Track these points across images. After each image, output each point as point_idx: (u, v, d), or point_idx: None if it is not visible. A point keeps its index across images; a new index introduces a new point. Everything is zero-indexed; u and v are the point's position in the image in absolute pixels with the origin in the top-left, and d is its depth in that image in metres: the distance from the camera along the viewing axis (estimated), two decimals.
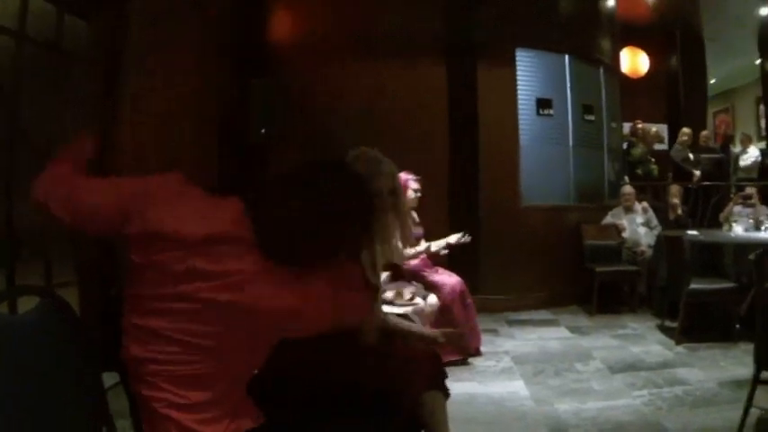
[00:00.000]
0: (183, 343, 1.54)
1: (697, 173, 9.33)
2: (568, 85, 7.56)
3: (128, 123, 4.46)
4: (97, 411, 1.76)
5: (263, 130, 6.70)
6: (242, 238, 1.56)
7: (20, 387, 1.54)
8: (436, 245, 5.01)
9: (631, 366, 4.77)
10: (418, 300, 4.47)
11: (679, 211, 7.73)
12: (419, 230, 5.33)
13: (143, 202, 1.62)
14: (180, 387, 1.55)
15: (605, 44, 8.31)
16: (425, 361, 2.29)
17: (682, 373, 4.55)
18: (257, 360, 1.69)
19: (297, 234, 1.59)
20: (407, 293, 4.42)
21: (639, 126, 9.48)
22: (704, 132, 10.43)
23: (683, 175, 9.36)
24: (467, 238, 5.05)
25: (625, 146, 9.21)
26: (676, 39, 11.14)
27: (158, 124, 4.99)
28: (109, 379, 1.76)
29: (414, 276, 5.01)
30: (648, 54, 10.81)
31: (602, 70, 8.09)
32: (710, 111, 14.01)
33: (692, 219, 8.31)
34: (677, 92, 11.18)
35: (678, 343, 5.31)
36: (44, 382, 1.60)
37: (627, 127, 9.49)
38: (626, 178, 8.62)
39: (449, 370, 4.59)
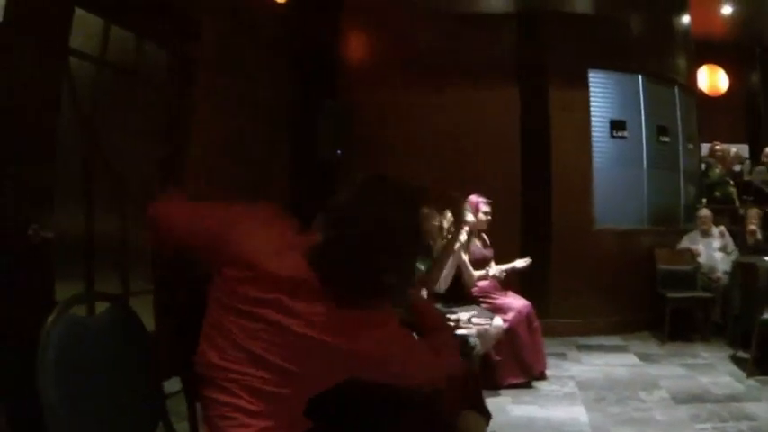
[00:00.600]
0: (259, 358, 1.65)
1: None
2: (642, 105, 7.49)
3: (200, 145, 4.69)
4: (155, 410, 1.97)
5: (338, 152, 6.87)
6: (313, 285, 1.63)
7: (86, 380, 1.75)
8: (496, 269, 5.11)
9: (697, 398, 4.70)
10: (477, 320, 4.50)
11: (758, 236, 7.50)
12: (488, 252, 5.43)
13: (229, 230, 1.74)
14: (252, 395, 1.65)
15: (680, 63, 8.20)
16: (460, 380, 2.36)
17: (750, 407, 4.44)
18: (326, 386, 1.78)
19: (356, 264, 1.63)
20: (464, 316, 4.49)
21: (718, 147, 9.25)
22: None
23: (763, 198, 9.07)
24: (525, 264, 5.14)
25: (703, 167, 9.00)
26: (755, 54, 10.81)
27: (230, 145, 5.23)
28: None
29: (479, 299, 5.09)
30: (727, 71, 10.58)
31: (677, 90, 7.97)
32: None
33: None
34: (758, 110, 10.85)
35: (750, 375, 5.17)
36: (108, 379, 1.82)
37: (705, 148, 9.27)
38: (703, 201, 8.42)
39: (512, 392, 4.74)
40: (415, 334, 1.91)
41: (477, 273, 5.02)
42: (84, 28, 3.60)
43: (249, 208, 1.84)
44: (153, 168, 4.38)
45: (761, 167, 9.39)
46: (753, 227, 7.41)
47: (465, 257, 4.91)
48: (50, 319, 1.70)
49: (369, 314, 1.67)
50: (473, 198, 5.39)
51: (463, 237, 4.74)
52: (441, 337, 1.97)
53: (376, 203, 1.65)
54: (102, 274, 3.90)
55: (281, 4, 6.19)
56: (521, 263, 5.33)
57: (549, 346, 5.79)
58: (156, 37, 4.34)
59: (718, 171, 8.96)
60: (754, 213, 7.66)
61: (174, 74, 4.57)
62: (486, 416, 2.44)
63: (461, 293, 4.86)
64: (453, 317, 4.51)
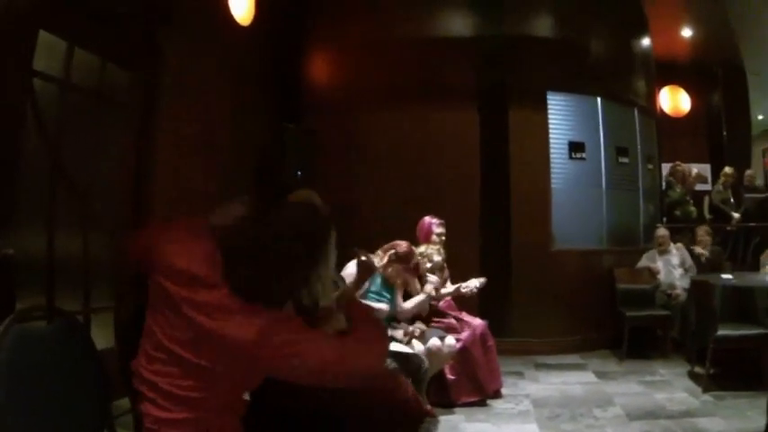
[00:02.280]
0: (176, 357, 1.74)
1: (735, 215, 9.14)
2: (601, 127, 7.57)
3: (163, 165, 4.71)
4: (101, 419, 2.07)
5: (298, 173, 6.90)
6: (213, 275, 1.76)
7: (34, 386, 1.87)
8: (444, 290, 5.16)
9: (651, 414, 4.73)
10: (416, 343, 4.53)
11: (705, 257, 7.62)
12: (444, 273, 5.44)
13: (158, 241, 1.92)
14: (174, 403, 1.74)
15: (640, 84, 8.34)
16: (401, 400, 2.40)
17: (702, 422, 4.48)
18: (240, 390, 1.87)
19: (253, 262, 1.77)
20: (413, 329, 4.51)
21: (679, 168, 9.37)
22: (748, 171, 10.21)
23: (722, 216, 9.21)
24: (474, 286, 5.17)
25: (664, 187, 9.11)
26: (717, 75, 11.01)
27: (194, 166, 5.24)
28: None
29: (433, 318, 5.12)
30: (689, 93, 10.78)
31: (636, 112, 8.09)
32: (760, 148, 13.71)
33: (732, 262, 8.16)
34: (720, 130, 11.04)
35: (705, 391, 5.23)
36: (55, 386, 1.94)
37: (667, 168, 9.39)
38: (663, 220, 8.53)
39: (466, 410, 4.76)
40: None
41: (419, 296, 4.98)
42: (49, 50, 3.64)
43: (178, 221, 2.09)
44: (116, 187, 4.39)
45: (718, 187, 9.53)
46: (699, 249, 7.54)
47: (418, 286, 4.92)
48: (1, 327, 1.83)
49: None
50: (426, 219, 5.44)
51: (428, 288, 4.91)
52: (364, 329, 1.99)
53: (277, 220, 1.85)
54: (63, 290, 3.91)
55: (245, 28, 6.24)
56: (475, 282, 5.33)
57: (507, 365, 5.83)
58: (119, 59, 4.37)
59: (678, 190, 9.05)
60: (702, 232, 7.79)
61: (136, 96, 4.59)
62: None
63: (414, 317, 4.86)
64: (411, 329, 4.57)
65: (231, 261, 1.76)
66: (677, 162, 9.45)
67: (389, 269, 4.50)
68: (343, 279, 2.75)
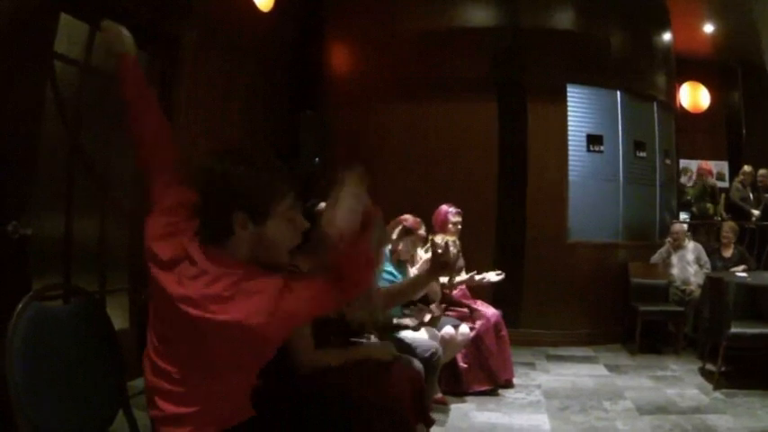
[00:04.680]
0: (176, 350, 1.74)
1: (756, 212, 9.09)
2: (620, 121, 7.54)
3: (180, 150, 4.72)
4: (116, 399, 2.08)
5: (316, 160, 6.92)
6: (196, 262, 1.73)
7: (51, 365, 1.87)
8: (463, 278, 5.14)
9: (661, 409, 4.74)
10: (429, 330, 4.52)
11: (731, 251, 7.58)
12: (459, 262, 5.46)
13: (147, 222, 1.89)
14: (174, 403, 1.72)
15: (660, 79, 8.28)
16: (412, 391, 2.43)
17: (713, 419, 4.48)
18: (234, 381, 1.81)
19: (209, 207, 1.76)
20: (426, 316, 4.51)
21: (747, 170, 9.27)
22: (762, 171, 10.11)
23: (740, 214, 9.15)
24: (496, 278, 5.14)
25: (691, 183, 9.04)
26: (737, 72, 10.92)
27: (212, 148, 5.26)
28: None
29: (447, 306, 5.14)
30: (709, 89, 10.68)
31: (655, 106, 8.05)
32: None
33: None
34: (739, 127, 10.96)
35: (716, 388, 5.23)
36: (72, 366, 1.94)
37: (683, 163, 9.34)
38: (681, 217, 8.49)
39: (477, 399, 4.78)
40: None
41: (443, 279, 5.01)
42: (70, 33, 3.67)
43: (165, 197, 1.99)
44: (134, 171, 4.43)
45: (737, 185, 9.46)
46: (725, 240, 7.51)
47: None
48: (20, 305, 1.82)
49: (246, 283, 1.70)
50: (443, 207, 5.45)
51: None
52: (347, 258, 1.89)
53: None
54: (80, 271, 3.97)
55: (265, 14, 6.25)
56: (493, 275, 5.34)
57: (519, 355, 5.86)
58: (139, 43, 4.39)
59: (696, 187, 9.00)
60: (727, 228, 7.73)
61: (154, 80, 4.61)
62: (430, 423, 2.51)
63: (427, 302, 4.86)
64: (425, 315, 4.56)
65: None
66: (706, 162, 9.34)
67: (400, 245, 4.50)
68: None
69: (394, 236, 4.50)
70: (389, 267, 4.45)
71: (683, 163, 9.23)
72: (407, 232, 4.50)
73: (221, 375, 1.74)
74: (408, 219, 4.56)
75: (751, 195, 9.33)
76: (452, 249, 5.06)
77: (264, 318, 1.65)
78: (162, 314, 1.76)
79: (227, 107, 5.63)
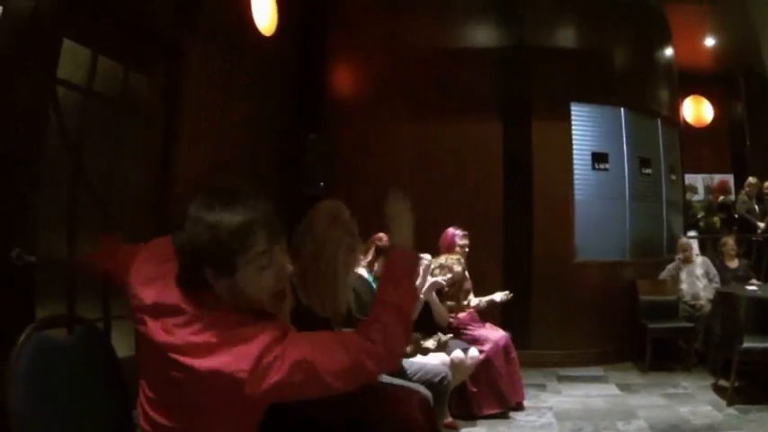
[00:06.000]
0: (153, 399, 1.69)
1: (761, 225, 9.05)
2: (624, 138, 7.56)
3: (183, 177, 4.74)
4: (122, 427, 2.03)
5: (321, 184, 6.95)
6: (184, 310, 1.65)
7: (54, 396, 1.84)
8: (475, 301, 5.13)
9: (675, 427, 4.70)
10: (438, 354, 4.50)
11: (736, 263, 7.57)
12: (467, 284, 5.46)
13: (131, 264, 1.86)
14: None
15: (663, 95, 8.32)
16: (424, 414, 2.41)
17: None
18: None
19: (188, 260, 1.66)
20: (430, 343, 4.50)
21: (753, 182, 9.27)
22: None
23: (747, 226, 9.12)
24: (504, 298, 5.13)
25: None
26: (739, 85, 10.92)
27: (215, 176, 5.27)
28: None
29: (457, 330, 5.11)
30: (712, 102, 10.70)
31: (659, 122, 8.07)
32: None
33: (757, 273, 8.07)
34: (743, 140, 10.95)
35: (730, 404, 5.19)
36: (75, 397, 1.91)
37: (689, 178, 9.33)
38: (688, 233, 8.46)
39: (488, 422, 4.75)
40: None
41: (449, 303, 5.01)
42: (73, 58, 3.70)
43: (151, 243, 1.96)
44: (138, 194, 4.44)
45: (743, 197, 9.43)
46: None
47: (434, 296, 4.80)
48: (22, 336, 1.80)
49: (235, 331, 1.60)
50: (450, 230, 5.45)
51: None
52: (378, 323, 1.76)
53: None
54: (84, 297, 3.95)
55: (268, 38, 6.29)
56: (500, 296, 5.35)
57: (529, 377, 5.82)
58: (142, 68, 4.43)
59: (702, 202, 8.99)
60: (731, 242, 7.73)
61: (158, 104, 4.64)
62: None
63: (435, 327, 4.83)
64: (429, 342, 4.54)
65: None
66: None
67: (375, 265, 4.49)
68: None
69: (369, 256, 4.50)
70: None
71: (688, 178, 9.20)
72: (381, 251, 4.48)
73: (214, 429, 1.67)
74: (383, 237, 4.55)
75: (756, 207, 9.30)
76: (458, 269, 5.06)
77: (248, 366, 1.55)
78: (151, 364, 1.69)
79: (232, 131, 5.63)
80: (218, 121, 5.35)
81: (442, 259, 5.06)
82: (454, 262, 5.08)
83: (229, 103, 5.52)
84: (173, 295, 1.67)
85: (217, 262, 1.62)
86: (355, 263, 2.86)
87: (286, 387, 1.58)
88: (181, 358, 1.57)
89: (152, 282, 1.74)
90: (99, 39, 3.83)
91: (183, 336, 1.60)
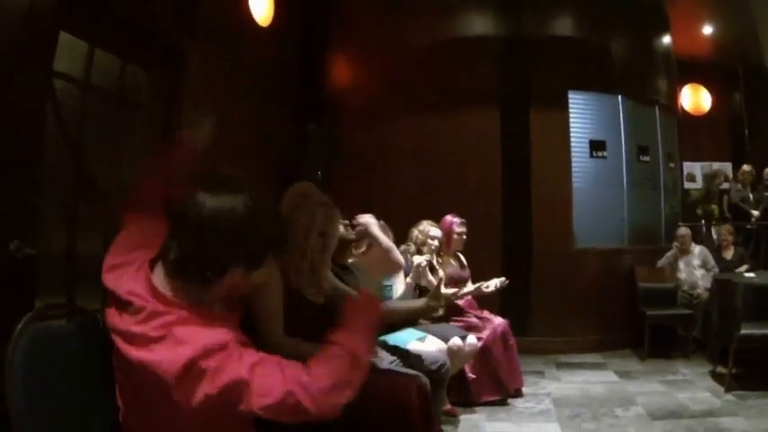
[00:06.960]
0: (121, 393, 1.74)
1: (755, 213, 9.04)
2: (622, 126, 7.56)
3: (184, 167, 4.71)
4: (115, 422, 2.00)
5: (319, 174, 6.93)
6: (135, 300, 1.66)
7: (52, 385, 1.83)
8: (468, 288, 5.09)
9: (673, 414, 4.70)
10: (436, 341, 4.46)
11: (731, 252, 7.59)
12: (465, 273, 5.46)
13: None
14: None
15: (661, 83, 8.30)
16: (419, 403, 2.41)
17: (725, 422, 4.44)
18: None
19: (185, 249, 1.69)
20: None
21: (746, 169, 9.28)
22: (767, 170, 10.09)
23: (742, 215, 9.12)
24: (493, 285, 5.07)
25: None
26: (738, 74, 10.89)
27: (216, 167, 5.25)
28: None
29: (462, 312, 5.16)
30: (710, 91, 10.66)
31: (657, 110, 8.06)
32: None
33: (754, 260, 8.08)
34: (741, 128, 10.92)
35: (728, 390, 5.20)
36: (73, 387, 1.88)
37: (687, 166, 9.31)
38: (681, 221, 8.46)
39: (487, 409, 4.76)
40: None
41: (449, 291, 4.99)
42: (70, 52, 3.68)
43: (128, 228, 2.03)
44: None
45: (737, 185, 9.42)
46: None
47: (431, 277, 4.80)
48: (19, 325, 1.79)
49: (180, 328, 1.61)
50: (448, 218, 5.44)
51: (418, 259, 4.62)
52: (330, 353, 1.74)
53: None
54: (84, 291, 3.95)
55: (265, 29, 6.27)
56: (495, 282, 5.31)
57: (528, 364, 5.84)
58: (140, 61, 4.41)
59: (700, 190, 8.98)
60: (724, 231, 7.76)
61: (157, 98, 4.62)
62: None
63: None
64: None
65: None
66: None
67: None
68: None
69: (363, 247, 4.47)
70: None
71: (686, 167, 9.19)
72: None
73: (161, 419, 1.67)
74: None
75: (751, 196, 9.28)
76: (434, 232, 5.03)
77: (175, 372, 1.52)
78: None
79: (232, 123, 5.62)
80: (218, 114, 5.32)
81: (422, 226, 5.06)
82: (431, 227, 5.12)
83: (228, 98, 5.51)
84: (128, 284, 1.70)
85: (204, 271, 1.68)
86: (336, 232, 2.84)
87: (219, 403, 1.54)
88: (120, 343, 1.63)
89: (113, 269, 1.78)
90: (98, 39, 3.82)
91: (128, 323, 1.63)
